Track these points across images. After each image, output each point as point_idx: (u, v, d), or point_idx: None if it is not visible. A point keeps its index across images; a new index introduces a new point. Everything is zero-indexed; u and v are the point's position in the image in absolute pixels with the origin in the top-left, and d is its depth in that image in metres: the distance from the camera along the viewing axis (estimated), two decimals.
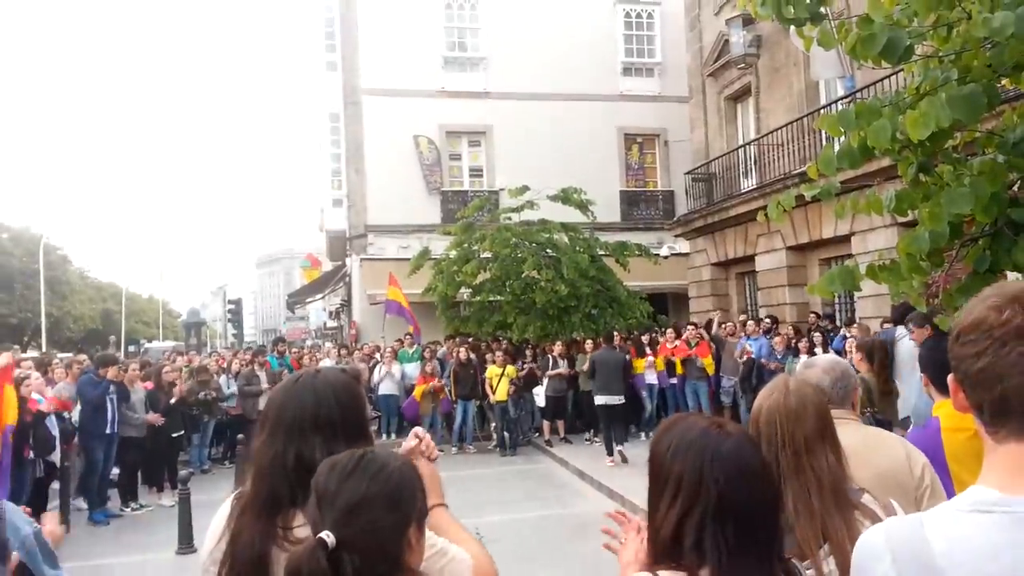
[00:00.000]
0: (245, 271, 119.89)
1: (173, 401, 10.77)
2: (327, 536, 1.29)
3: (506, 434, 13.31)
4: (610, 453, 11.29)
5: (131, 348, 41.05)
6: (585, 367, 12.69)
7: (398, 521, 1.37)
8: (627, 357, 12.62)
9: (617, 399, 11.59)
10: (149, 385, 10.82)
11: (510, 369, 13.37)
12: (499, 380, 13.18)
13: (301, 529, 1.58)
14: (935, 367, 3.03)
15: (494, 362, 13.56)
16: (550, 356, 13.99)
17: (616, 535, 1.88)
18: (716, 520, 1.52)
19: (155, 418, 10.19)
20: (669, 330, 13.86)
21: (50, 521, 3.13)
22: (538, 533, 8.02)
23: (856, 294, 12.30)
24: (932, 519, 1.13)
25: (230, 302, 34.17)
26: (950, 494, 2.48)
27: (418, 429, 2.03)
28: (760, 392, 2.12)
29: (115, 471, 9.96)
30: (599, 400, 11.72)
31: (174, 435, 10.74)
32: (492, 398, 13.26)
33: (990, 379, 1.10)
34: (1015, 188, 3.20)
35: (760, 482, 1.56)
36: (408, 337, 15.94)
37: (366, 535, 1.32)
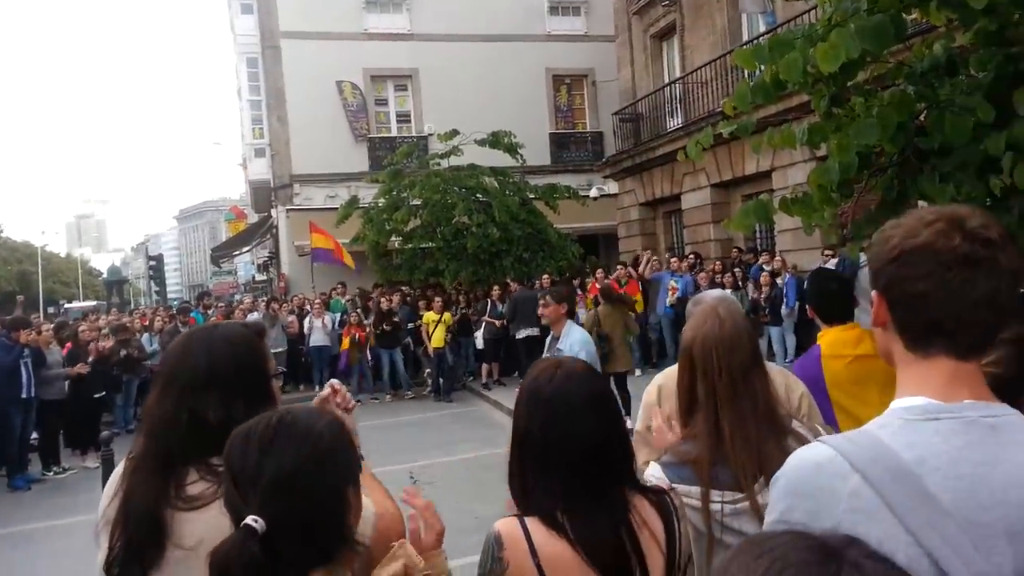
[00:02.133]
0: (167, 226, 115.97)
1: (91, 359, 10.41)
2: (254, 521, 1.14)
3: (440, 380, 13.32)
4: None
5: (51, 309, 39.44)
6: (495, 309, 13.33)
7: (335, 486, 1.23)
8: (539, 292, 13.01)
9: (534, 331, 12.31)
10: (68, 346, 10.44)
11: (447, 316, 13.28)
12: (435, 327, 13.07)
13: (194, 486, 1.52)
14: (819, 297, 3.15)
15: (429, 308, 13.42)
16: (488, 300, 14.01)
17: None
18: (546, 465, 1.54)
19: (80, 368, 9.84)
20: (598, 270, 14.01)
21: None
22: (473, 473, 8.11)
23: (776, 228, 12.63)
24: (881, 430, 1.12)
25: (151, 258, 33.08)
26: (828, 419, 2.57)
27: (334, 381, 1.98)
28: (689, 321, 2.10)
29: (35, 435, 9.64)
30: (520, 334, 12.84)
31: (96, 396, 10.41)
32: (428, 345, 13.11)
33: (928, 302, 1.12)
34: (922, 118, 3.26)
35: (586, 421, 1.57)
36: (340, 286, 15.74)
37: (302, 510, 1.18)
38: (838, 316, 3.05)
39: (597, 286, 13.40)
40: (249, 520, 1.14)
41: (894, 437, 1.09)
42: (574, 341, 5.23)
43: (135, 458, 1.61)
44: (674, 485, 1.77)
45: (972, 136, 2.92)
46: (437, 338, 13.04)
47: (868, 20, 2.94)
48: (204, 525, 1.46)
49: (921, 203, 3.61)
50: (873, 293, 1.20)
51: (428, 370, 13.69)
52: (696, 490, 1.85)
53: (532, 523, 1.52)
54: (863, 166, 3.29)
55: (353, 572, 1.26)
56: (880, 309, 1.21)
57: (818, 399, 2.45)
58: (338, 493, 1.24)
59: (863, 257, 7.36)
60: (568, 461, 1.54)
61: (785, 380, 2.44)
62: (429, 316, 13.20)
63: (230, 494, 1.22)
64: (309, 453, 1.21)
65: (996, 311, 1.11)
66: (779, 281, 11.36)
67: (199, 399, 1.58)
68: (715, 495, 1.82)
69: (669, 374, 2.92)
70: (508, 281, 14.51)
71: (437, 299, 13.55)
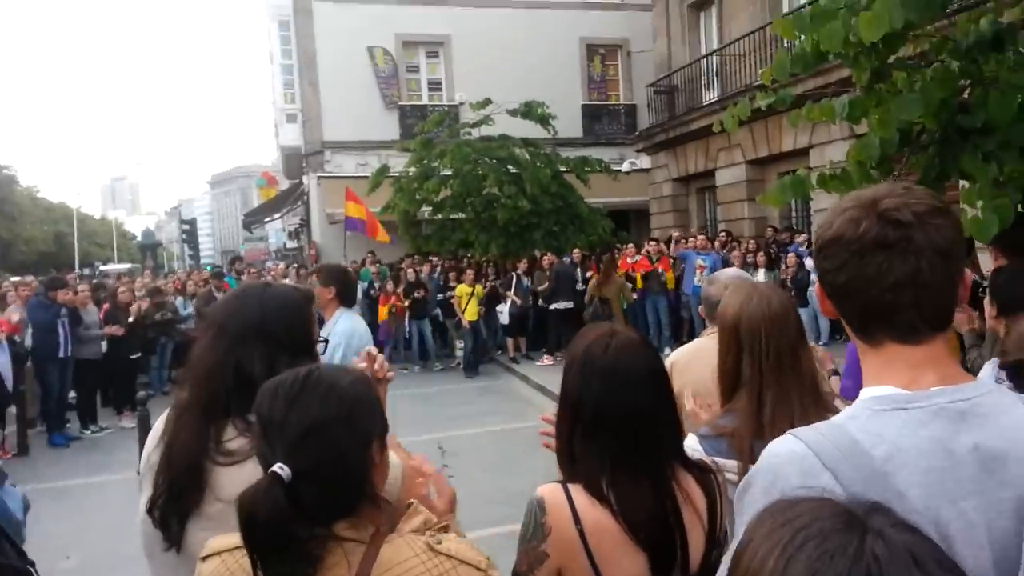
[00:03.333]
0: (200, 190, 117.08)
1: (130, 320, 10.61)
2: (281, 469, 1.17)
3: (472, 354, 13.17)
4: (551, 354, 12.73)
5: (85, 271, 40.22)
6: (543, 284, 13.32)
7: (359, 441, 1.26)
8: (578, 270, 13.61)
9: (568, 304, 12.88)
10: (106, 307, 10.66)
11: (479, 288, 13.20)
12: (468, 300, 12.94)
13: (233, 442, 1.57)
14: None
15: (462, 281, 13.31)
16: (513, 273, 13.97)
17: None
18: (596, 434, 1.54)
19: (115, 329, 10.05)
20: (629, 246, 13.93)
21: None
22: (499, 445, 8.18)
23: (812, 206, 12.43)
24: (851, 424, 1.10)
25: (184, 222, 33.51)
26: None
27: (371, 347, 2.00)
28: (726, 298, 2.09)
29: (73, 394, 9.88)
30: (553, 306, 13.05)
31: (132, 357, 10.63)
32: (463, 319, 12.95)
33: (852, 292, 1.13)
34: (966, 94, 3.17)
35: (639, 391, 1.57)
36: (370, 255, 15.82)
37: (325, 461, 1.21)
38: None
39: (628, 261, 13.37)
40: (276, 468, 1.18)
41: (863, 431, 1.08)
42: (337, 332, 3.96)
43: (180, 405, 1.66)
44: (710, 457, 1.78)
45: (1018, 114, 2.84)
46: (471, 311, 12.93)
47: None
48: (242, 480, 1.50)
49: (962, 182, 3.53)
50: (815, 287, 1.20)
51: (459, 342, 13.55)
52: (732, 463, 1.86)
53: (576, 490, 1.54)
54: (904, 143, 3.22)
55: (378, 527, 1.28)
56: (823, 301, 1.22)
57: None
58: (361, 447, 1.26)
59: None
60: (619, 432, 1.54)
61: (816, 356, 2.44)
62: (462, 289, 13.07)
63: (259, 443, 1.26)
64: (334, 406, 1.25)
65: (922, 290, 1.09)
66: (808, 262, 11.15)
67: (246, 351, 1.63)
68: None
69: (683, 352, 2.92)
70: (535, 254, 14.47)
71: (469, 271, 13.45)
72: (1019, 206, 2.95)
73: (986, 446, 1.05)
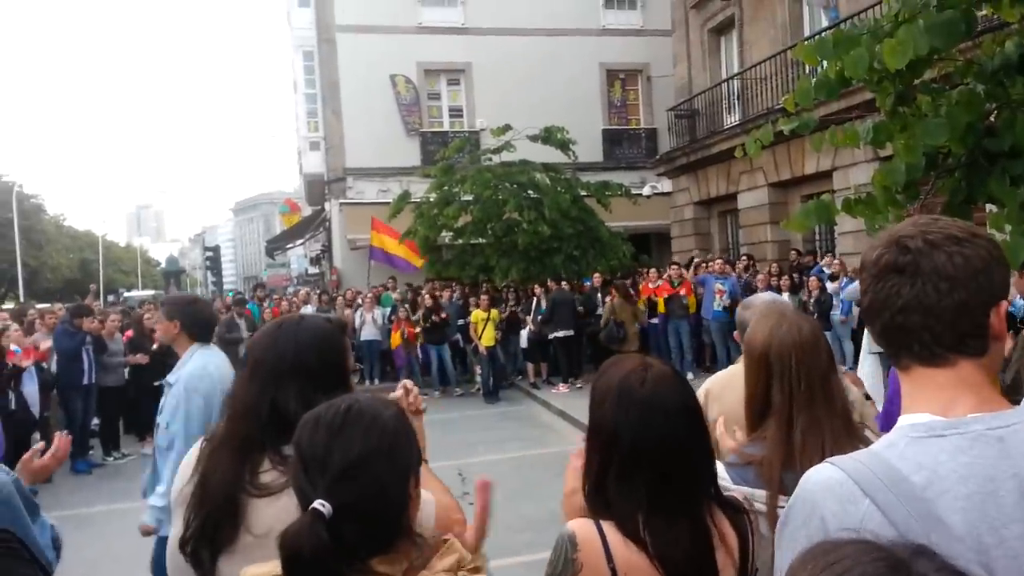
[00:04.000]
0: (223, 217, 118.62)
1: (155, 347, 10.69)
2: (322, 506, 1.15)
3: (491, 380, 13.13)
4: (564, 381, 12.83)
5: (110, 298, 40.72)
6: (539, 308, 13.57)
7: (399, 476, 1.24)
8: (576, 296, 13.85)
9: (568, 332, 13.03)
10: (129, 334, 10.75)
11: (495, 313, 13.19)
12: (484, 325, 12.94)
13: (267, 475, 1.57)
14: None
15: (478, 306, 13.32)
16: (534, 298, 13.96)
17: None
18: (631, 470, 1.50)
19: (139, 358, 10.11)
20: (651, 270, 13.87)
21: (27, 460, 2.86)
22: (520, 471, 8.11)
23: (837, 230, 12.31)
24: (889, 451, 1.11)
25: (207, 249, 33.90)
26: None
27: (407, 381, 1.99)
28: (754, 323, 2.06)
29: (96, 421, 9.94)
30: (552, 335, 13.14)
31: (156, 384, 10.68)
32: (480, 344, 12.93)
33: (871, 314, 1.20)
34: (991, 118, 3.13)
35: (677, 426, 1.53)
36: (391, 281, 15.91)
37: (367, 496, 1.19)
38: None
39: (650, 286, 13.32)
40: (317, 504, 1.16)
41: (902, 458, 1.09)
42: (184, 374, 3.45)
43: (215, 439, 1.67)
44: (737, 487, 1.74)
45: None
46: (488, 337, 12.92)
47: (938, 16, 2.83)
48: (275, 513, 1.50)
49: (989, 206, 3.47)
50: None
51: (478, 367, 13.58)
52: (760, 493, 1.82)
53: (608, 527, 1.49)
54: (930, 167, 3.17)
55: (411, 562, 1.25)
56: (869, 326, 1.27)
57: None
58: (402, 482, 1.25)
59: None
60: (656, 467, 1.50)
61: (847, 380, 2.41)
62: (477, 314, 13.08)
63: (298, 478, 1.24)
64: (376, 440, 1.23)
65: (927, 313, 1.12)
66: (830, 286, 10.98)
67: (281, 387, 1.65)
68: (781, 500, 1.78)
69: (717, 379, 2.87)
70: (550, 280, 14.46)
71: (483, 296, 13.45)
72: None
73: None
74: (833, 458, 1.16)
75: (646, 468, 1.50)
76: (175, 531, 1.61)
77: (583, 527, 1.50)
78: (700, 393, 2.56)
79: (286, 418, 1.56)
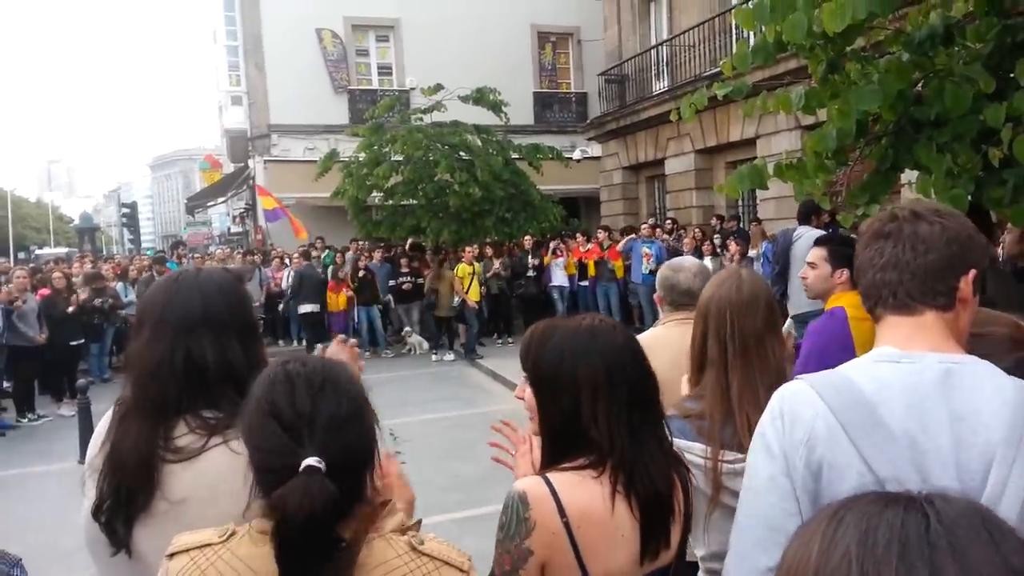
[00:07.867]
0: (140, 173, 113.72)
1: (71, 310, 10.26)
2: (317, 462, 1.12)
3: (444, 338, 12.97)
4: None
5: (20, 255, 38.72)
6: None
7: (371, 435, 1.23)
8: (529, 256, 13.90)
9: (315, 307, 13.24)
10: (46, 291, 10.28)
11: (478, 268, 12.93)
12: (471, 280, 12.55)
13: (182, 438, 1.48)
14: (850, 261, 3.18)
15: (460, 261, 12.93)
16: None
17: (506, 448, 1.86)
18: (625, 409, 1.54)
19: (41, 337, 9.62)
20: (580, 235, 14.02)
21: None
22: (451, 432, 8.16)
23: (759, 196, 12.65)
24: (850, 370, 1.31)
25: (124, 206, 32.49)
26: None
27: (341, 335, 1.95)
28: (709, 282, 2.13)
29: (7, 383, 9.52)
30: (302, 310, 13.31)
31: (72, 343, 10.29)
32: (466, 299, 12.55)
33: (861, 272, 1.39)
34: (919, 87, 3.25)
35: (640, 356, 1.61)
36: (319, 241, 15.64)
37: (346, 457, 1.17)
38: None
39: (580, 249, 13.44)
40: (312, 461, 1.13)
41: (858, 373, 1.29)
42: None
43: (124, 404, 1.56)
44: (673, 440, 1.79)
45: (971, 107, 2.92)
46: (474, 292, 12.58)
47: None
48: (192, 478, 1.45)
49: (916, 173, 3.62)
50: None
51: (468, 326, 12.98)
52: (697, 446, 1.88)
53: (558, 480, 1.49)
54: (859, 134, 3.28)
55: (364, 525, 1.25)
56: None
57: (845, 358, 2.56)
58: (373, 441, 1.24)
59: (799, 229, 7.29)
60: (633, 392, 1.55)
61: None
62: (463, 268, 12.71)
63: (272, 437, 1.17)
64: (353, 402, 1.22)
65: (903, 270, 1.31)
66: (754, 252, 11.26)
67: (194, 341, 1.54)
68: (726, 455, 1.84)
69: (642, 340, 2.93)
70: (487, 242, 14.46)
71: (468, 249, 13.22)
72: (971, 196, 3.04)
73: (964, 398, 1.21)
74: (803, 375, 1.35)
75: (639, 404, 1.54)
76: (87, 501, 1.51)
77: (532, 485, 1.49)
78: None
79: (203, 373, 1.50)
